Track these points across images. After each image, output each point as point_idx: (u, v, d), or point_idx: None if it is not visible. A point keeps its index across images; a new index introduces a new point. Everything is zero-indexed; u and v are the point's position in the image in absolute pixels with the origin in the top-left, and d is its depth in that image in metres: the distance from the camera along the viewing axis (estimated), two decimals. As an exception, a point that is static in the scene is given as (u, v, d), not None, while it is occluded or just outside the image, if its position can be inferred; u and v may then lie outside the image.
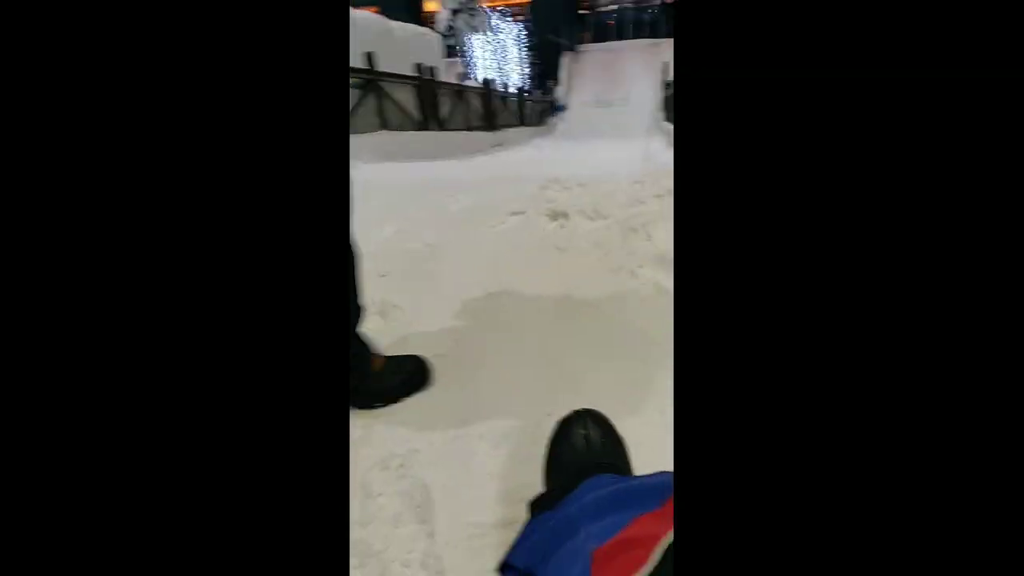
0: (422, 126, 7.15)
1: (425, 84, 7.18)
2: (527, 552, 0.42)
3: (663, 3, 17.25)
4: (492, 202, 2.32)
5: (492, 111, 9.40)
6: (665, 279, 1.18)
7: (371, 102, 6.20)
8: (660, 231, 1.41)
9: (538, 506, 0.50)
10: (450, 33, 13.42)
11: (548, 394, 0.88)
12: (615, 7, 17.74)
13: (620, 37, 16.83)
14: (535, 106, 13.47)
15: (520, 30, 15.18)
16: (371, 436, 0.81)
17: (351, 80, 5.60)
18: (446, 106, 7.92)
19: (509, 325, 1.15)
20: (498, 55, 14.79)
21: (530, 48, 15.79)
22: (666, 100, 11.23)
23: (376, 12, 7.00)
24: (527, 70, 15.55)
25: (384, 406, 0.89)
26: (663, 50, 15.04)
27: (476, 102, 9.09)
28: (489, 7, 13.86)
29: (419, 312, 1.20)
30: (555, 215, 1.82)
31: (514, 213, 1.97)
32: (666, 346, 0.99)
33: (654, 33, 16.60)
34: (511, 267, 1.44)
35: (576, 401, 0.70)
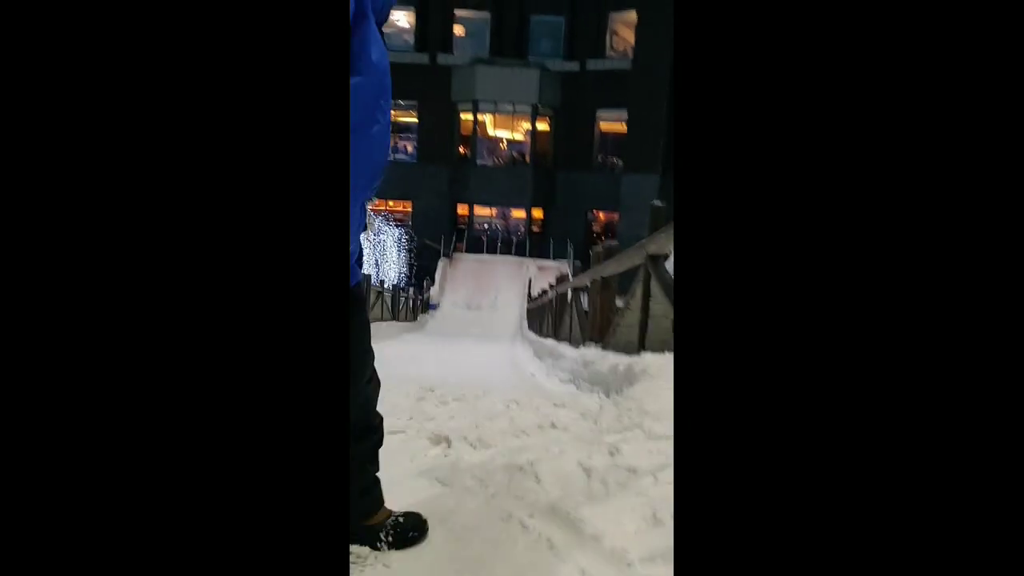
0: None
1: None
2: None
3: (530, 230, 19.70)
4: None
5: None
6: (557, 533, 1.13)
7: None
8: (547, 472, 1.40)
9: None
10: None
11: None
12: (488, 225, 19.94)
13: (491, 251, 18.61)
14: (408, 302, 13.88)
15: (401, 233, 16.26)
16: None
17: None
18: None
19: (389, 588, 1.00)
20: (377, 252, 15.52)
21: (409, 250, 16.82)
22: (529, 311, 12.18)
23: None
24: (404, 269, 16.35)
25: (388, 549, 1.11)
26: (528, 266, 16.76)
27: (350, 293, 9.17)
28: (373, 210, 14.92)
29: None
30: (437, 439, 1.76)
31: (393, 432, 1.87)
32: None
33: (520, 252, 18.62)
34: (391, 500, 1.32)
35: None
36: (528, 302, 13.30)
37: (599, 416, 1.86)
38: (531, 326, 10.98)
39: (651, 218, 3.28)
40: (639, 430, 1.58)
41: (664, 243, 3.08)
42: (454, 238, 18.66)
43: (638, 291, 3.46)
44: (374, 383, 1.17)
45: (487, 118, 20.07)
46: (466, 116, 19.84)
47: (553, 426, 1.83)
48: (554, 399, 2.71)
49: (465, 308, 14.93)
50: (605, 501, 1.25)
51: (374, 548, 1.12)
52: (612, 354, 3.30)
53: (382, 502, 1.17)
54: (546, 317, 8.96)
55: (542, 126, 19.92)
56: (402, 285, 15.07)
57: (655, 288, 3.18)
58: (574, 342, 5.40)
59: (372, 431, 1.16)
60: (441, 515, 1.27)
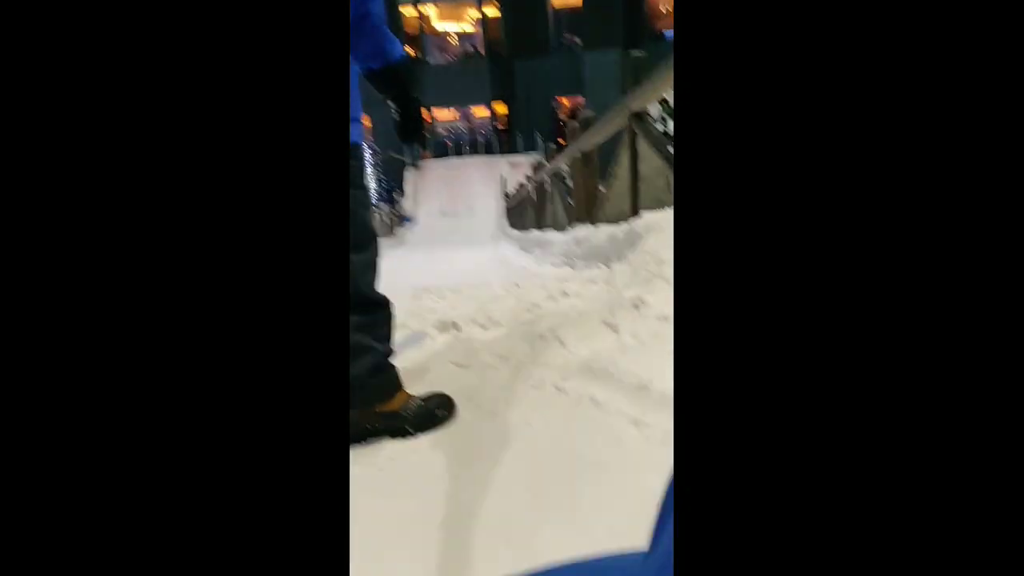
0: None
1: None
2: None
3: (495, 127, 18.94)
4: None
5: (339, 224, 9.18)
6: (600, 391, 1.02)
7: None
8: (571, 336, 1.28)
9: None
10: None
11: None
12: (451, 129, 19.07)
13: (458, 155, 17.92)
14: (383, 218, 13.53)
15: (363, 149, 15.53)
16: None
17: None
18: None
19: (420, 480, 0.90)
20: (341, 171, 14.89)
21: (375, 165, 16.15)
22: (508, 210, 11.93)
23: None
24: (373, 186, 15.78)
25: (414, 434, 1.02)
26: (499, 165, 16.24)
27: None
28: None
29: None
30: (444, 326, 1.63)
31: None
32: (627, 472, 0.81)
33: (489, 151, 17.95)
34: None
35: None
36: (505, 200, 13.00)
37: (611, 277, 1.73)
38: (512, 224, 10.78)
39: (630, 70, 3.01)
40: (660, 280, 1.46)
41: (648, 96, 2.84)
42: (418, 147, 17.89)
43: (624, 155, 3.26)
44: (372, 253, 1.02)
45: (431, 11, 18.58)
46: (408, 11, 18.32)
47: (565, 294, 1.70)
48: (557, 277, 2.59)
49: (441, 217, 14.59)
50: (642, 352, 1.14)
51: (399, 435, 1.01)
52: (606, 226, 3.15)
53: (399, 385, 1.05)
54: (527, 211, 8.75)
55: (491, 11, 18.52)
56: (374, 203, 14.63)
57: (643, 147, 2.98)
58: (560, 228, 5.24)
59: (373, 305, 1.01)
60: (466, 395, 1.16)
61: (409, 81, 1.18)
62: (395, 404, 1.03)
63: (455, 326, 1.61)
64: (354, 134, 1.01)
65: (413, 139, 1.21)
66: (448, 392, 1.18)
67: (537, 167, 7.57)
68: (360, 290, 0.99)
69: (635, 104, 2.94)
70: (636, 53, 3.03)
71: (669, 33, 16.76)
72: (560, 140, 13.09)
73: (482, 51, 18.89)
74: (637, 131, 2.99)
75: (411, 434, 1.02)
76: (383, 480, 0.91)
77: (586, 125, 4.08)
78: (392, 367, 1.05)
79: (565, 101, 19.19)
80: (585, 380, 1.07)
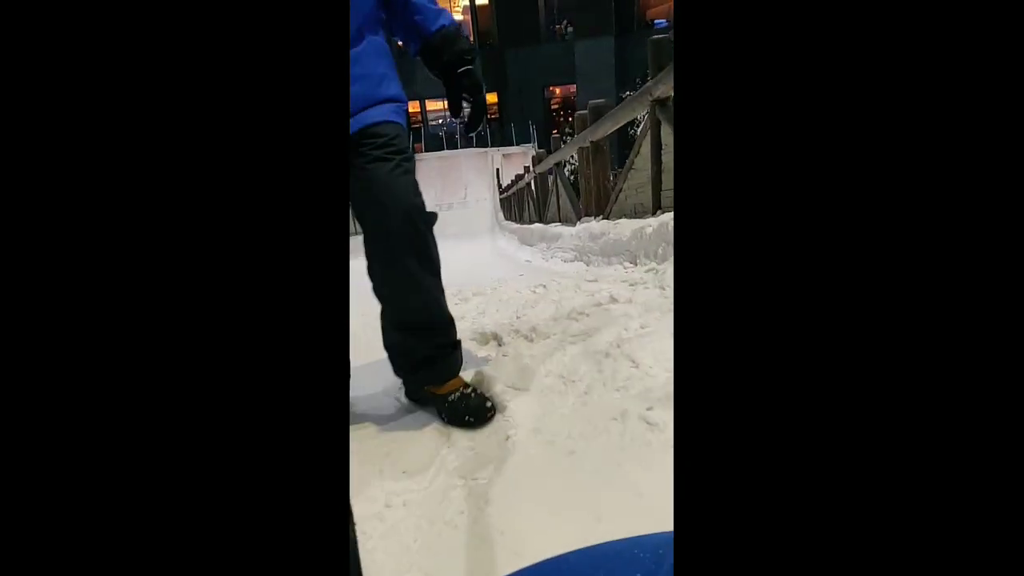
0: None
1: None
2: None
3: (488, 118, 18.68)
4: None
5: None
6: (700, 425, 0.87)
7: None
8: (643, 352, 1.13)
9: None
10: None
11: None
12: (443, 120, 18.79)
13: (451, 146, 17.64)
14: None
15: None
16: None
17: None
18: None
19: (487, 532, 0.75)
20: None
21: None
22: (502, 201, 11.73)
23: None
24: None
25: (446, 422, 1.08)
26: (492, 156, 16.01)
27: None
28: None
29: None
30: (484, 338, 1.47)
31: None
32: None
33: (481, 143, 17.70)
34: (464, 430, 1.05)
35: None
36: (500, 192, 12.81)
37: (663, 279, 1.58)
38: (508, 216, 10.60)
39: (653, 54, 2.85)
40: (728, 285, 1.30)
41: (670, 83, 2.67)
42: (411, 138, 17.62)
43: (644, 145, 3.11)
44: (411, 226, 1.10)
45: None
46: (397, 1, 17.96)
47: (613, 300, 1.55)
48: (585, 276, 2.44)
49: (436, 210, 14.36)
50: (734, 373, 0.98)
51: (439, 416, 1.11)
52: (627, 220, 3.00)
53: (454, 373, 1.13)
54: (526, 203, 8.58)
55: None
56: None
57: (667, 136, 2.82)
58: (565, 222, 5.08)
59: (440, 294, 1.14)
60: (531, 425, 1.01)
61: (453, 55, 1.03)
62: (445, 389, 1.11)
63: (496, 339, 1.45)
64: (394, 114, 1.06)
65: (472, 127, 1.11)
66: (504, 423, 1.04)
67: (540, 157, 7.39)
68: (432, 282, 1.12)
69: (658, 91, 2.78)
70: (660, 37, 2.86)
71: (659, 22, 16.57)
72: (554, 131, 12.90)
73: (472, 40, 18.61)
74: (661, 118, 2.84)
75: (444, 422, 1.09)
76: (447, 528, 0.77)
77: (598, 113, 3.92)
78: (452, 354, 1.14)
79: (557, 90, 18.96)
80: (671, 409, 0.92)
